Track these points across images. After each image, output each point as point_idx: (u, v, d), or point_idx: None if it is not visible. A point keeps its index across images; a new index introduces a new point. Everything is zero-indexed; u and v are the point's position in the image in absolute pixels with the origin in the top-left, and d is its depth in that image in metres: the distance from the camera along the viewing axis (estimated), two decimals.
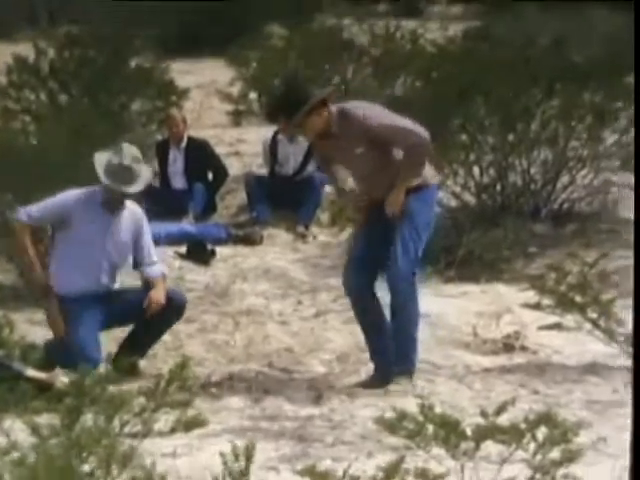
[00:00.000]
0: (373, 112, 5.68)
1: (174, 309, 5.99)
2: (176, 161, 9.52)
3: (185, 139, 9.53)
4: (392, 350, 5.71)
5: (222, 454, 3.42)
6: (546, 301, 6.14)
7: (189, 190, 9.36)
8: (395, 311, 5.66)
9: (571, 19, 14.33)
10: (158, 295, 5.92)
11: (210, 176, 9.56)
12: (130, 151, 5.90)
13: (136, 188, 5.88)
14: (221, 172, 9.58)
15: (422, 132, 5.61)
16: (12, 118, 9.67)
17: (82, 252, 5.87)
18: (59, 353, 5.66)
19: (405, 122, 5.63)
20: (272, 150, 9.53)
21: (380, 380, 5.68)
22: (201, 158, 9.46)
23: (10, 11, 16.77)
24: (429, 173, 5.79)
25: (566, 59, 8.88)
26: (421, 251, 5.69)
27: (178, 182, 9.46)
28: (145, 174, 5.94)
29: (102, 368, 4.81)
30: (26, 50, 11.43)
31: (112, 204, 5.92)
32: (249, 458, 3.44)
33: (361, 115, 5.62)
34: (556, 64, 8.78)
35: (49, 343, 5.88)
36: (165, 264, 7.99)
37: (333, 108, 5.68)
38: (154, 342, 6.08)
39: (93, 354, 5.59)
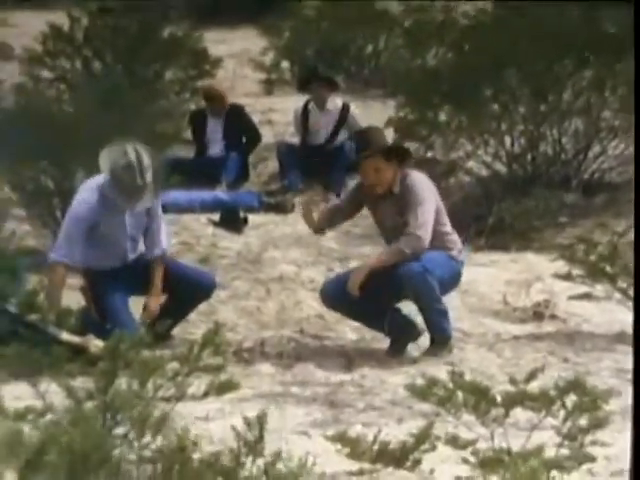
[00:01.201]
0: (423, 192, 5.75)
1: (202, 291, 6.06)
2: (215, 130, 9.56)
3: (227, 107, 9.58)
4: (402, 323, 5.80)
5: (233, 427, 3.45)
6: (576, 271, 6.16)
7: (226, 156, 9.39)
8: (412, 296, 5.72)
9: None
10: (153, 303, 5.95)
11: (244, 140, 9.61)
12: (144, 164, 5.72)
13: (144, 204, 5.82)
14: (254, 135, 9.63)
15: (424, 238, 5.63)
16: (47, 86, 9.73)
17: (107, 243, 5.90)
18: (94, 324, 5.70)
19: (429, 218, 5.67)
20: (303, 119, 9.56)
21: (393, 353, 5.80)
22: (237, 123, 9.52)
23: None
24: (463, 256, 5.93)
25: (599, 29, 8.84)
26: (436, 280, 5.64)
27: (216, 148, 9.51)
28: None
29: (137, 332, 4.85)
30: (61, 18, 11.48)
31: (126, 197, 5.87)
32: (262, 427, 3.49)
33: (413, 186, 5.73)
34: (589, 34, 8.74)
35: (84, 312, 5.93)
36: (199, 232, 8.12)
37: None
38: (184, 316, 6.12)
39: (127, 320, 5.66)
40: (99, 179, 5.91)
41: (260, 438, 3.48)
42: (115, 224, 5.90)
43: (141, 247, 6.06)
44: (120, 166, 5.74)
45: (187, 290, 5.95)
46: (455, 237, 5.91)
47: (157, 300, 5.97)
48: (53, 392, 4.07)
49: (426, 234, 5.66)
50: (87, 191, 5.90)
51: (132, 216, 5.93)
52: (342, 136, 9.42)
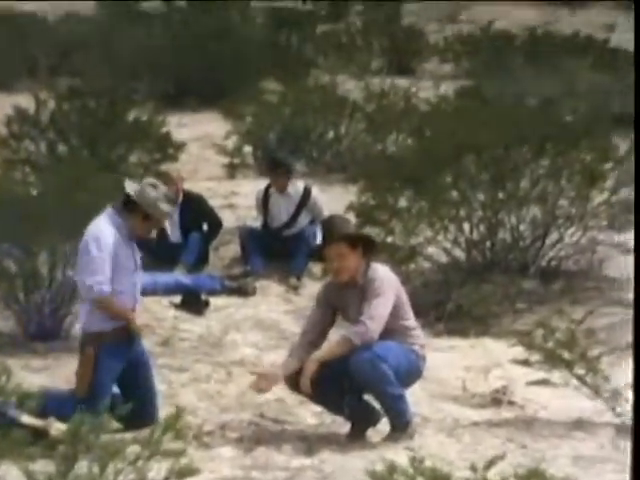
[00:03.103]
0: (383, 285, 5.76)
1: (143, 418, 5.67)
2: (173, 215, 9.62)
3: (181, 194, 9.64)
4: (362, 409, 5.83)
5: None
6: (534, 357, 6.23)
7: (185, 243, 9.44)
8: (364, 384, 5.71)
9: (558, 78, 14.57)
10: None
11: (205, 227, 9.67)
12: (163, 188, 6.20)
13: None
14: (215, 223, 9.69)
15: (373, 329, 5.63)
16: (12, 168, 9.81)
17: (124, 278, 5.93)
18: (55, 406, 5.61)
19: (383, 311, 5.68)
20: (264, 203, 9.66)
21: (353, 437, 5.82)
22: (196, 212, 9.57)
23: (11, 63, 16.98)
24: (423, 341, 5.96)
25: (556, 119, 9.05)
26: (389, 368, 5.61)
27: (174, 235, 9.55)
28: None
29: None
30: (26, 101, 11.60)
31: (134, 231, 6.03)
32: None
33: (374, 279, 5.76)
34: (546, 123, 8.94)
35: (49, 394, 5.85)
36: (160, 314, 8.15)
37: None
38: None
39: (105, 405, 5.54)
40: (104, 217, 5.99)
41: None
42: (128, 256, 5.97)
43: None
44: (156, 197, 6.06)
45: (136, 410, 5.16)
46: (419, 332, 5.93)
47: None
48: (14, 476, 4.07)
49: (376, 326, 5.65)
50: (101, 224, 5.96)
51: (137, 258, 6.06)
52: (304, 219, 9.52)
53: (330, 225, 6.03)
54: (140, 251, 6.28)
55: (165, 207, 6.08)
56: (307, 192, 9.58)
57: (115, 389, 5.94)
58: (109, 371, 5.88)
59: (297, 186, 9.63)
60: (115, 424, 4.50)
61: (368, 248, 5.91)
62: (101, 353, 5.86)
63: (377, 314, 5.67)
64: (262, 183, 9.93)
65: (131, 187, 6.07)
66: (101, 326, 5.91)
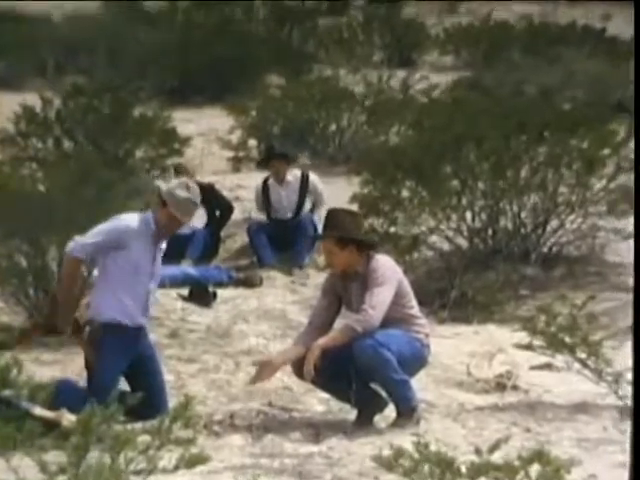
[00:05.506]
0: (385, 274, 5.81)
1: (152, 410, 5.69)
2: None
3: None
4: (368, 395, 5.89)
5: None
6: (537, 342, 6.30)
7: (192, 234, 9.52)
8: (367, 370, 5.77)
9: (556, 68, 14.66)
10: None
11: (218, 214, 9.79)
12: (196, 189, 6.08)
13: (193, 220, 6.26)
14: (226, 207, 9.82)
15: (375, 316, 5.70)
16: (20, 165, 9.91)
17: (135, 279, 5.94)
18: (67, 398, 5.67)
19: (384, 299, 5.73)
20: (265, 195, 9.79)
21: (360, 424, 5.88)
22: (209, 201, 9.68)
23: (19, 63, 17.11)
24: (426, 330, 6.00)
25: (554, 107, 9.11)
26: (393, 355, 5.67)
27: (186, 227, 9.62)
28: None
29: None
30: (33, 99, 11.69)
31: (161, 234, 6.03)
32: None
33: (376, 269, 5.82)
34: (544, 112, 9.01)
35: (61, 385, 5.90)
36: (168, 306, 8.24)
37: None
38: None
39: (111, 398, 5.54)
40: (139, 214, 6.04)
41: None
42: (146, 259, 5.95)
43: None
44: (184, 198, 5.99)
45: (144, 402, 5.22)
46: (423, 322, 5.99)
47: None
48: (26, 466, 4.14)
49: (377, 313, 5.72)
50: (128, 217, 6.01)
51: (156, 266, 6.04)
52: (307, 205, 9.65)
53: (327, 220, 6.09)
54: None
55: (191, 208, 6.02)
56: (305, 177, 9.75)
57: (124, 385, 5.99)
58: (115, 362, 5.91)
59: (295, 173, 9.79)
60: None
61: (363, 246, 5.94)
62: (106, 344, 5.89)
63: (378, 302, 5.74)
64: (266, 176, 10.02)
65: (163, 185, 6.10)
66: (107, 317, 5.92)
